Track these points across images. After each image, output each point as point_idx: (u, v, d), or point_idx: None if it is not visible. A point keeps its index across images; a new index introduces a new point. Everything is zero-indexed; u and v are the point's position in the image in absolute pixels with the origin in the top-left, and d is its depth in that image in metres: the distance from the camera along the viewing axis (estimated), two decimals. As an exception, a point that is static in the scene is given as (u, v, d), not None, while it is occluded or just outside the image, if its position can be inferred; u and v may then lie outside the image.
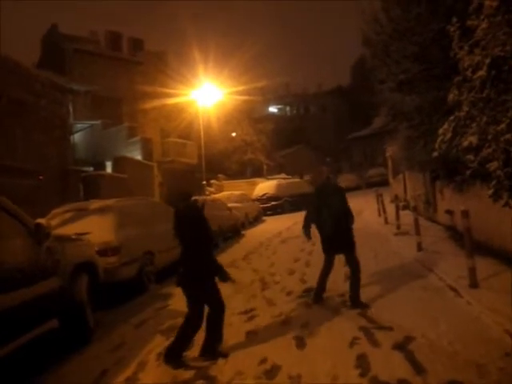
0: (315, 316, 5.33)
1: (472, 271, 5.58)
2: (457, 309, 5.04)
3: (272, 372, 3.88)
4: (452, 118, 5.66)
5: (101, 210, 7.83)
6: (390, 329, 4.57)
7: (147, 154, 22.45)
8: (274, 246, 12.04)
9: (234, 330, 5.15)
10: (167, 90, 24.81)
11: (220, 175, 33.14)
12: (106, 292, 6.34)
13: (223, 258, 10.97)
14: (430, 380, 3.39)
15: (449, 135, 5.70)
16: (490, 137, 4.77)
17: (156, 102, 24.27)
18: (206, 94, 25.04)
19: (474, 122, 5.14)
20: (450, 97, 5.61)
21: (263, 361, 4.11)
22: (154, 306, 6.77)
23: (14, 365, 4.26)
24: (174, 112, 26.78)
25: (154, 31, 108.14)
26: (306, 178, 34.54)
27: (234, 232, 15.80)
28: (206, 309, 4.54)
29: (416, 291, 5.92)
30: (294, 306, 5.87)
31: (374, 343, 4.24)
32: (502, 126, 4.52)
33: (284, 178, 30.00)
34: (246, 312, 5.84)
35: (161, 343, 4.98)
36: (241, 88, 31.23)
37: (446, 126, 5.85)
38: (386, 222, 13.35)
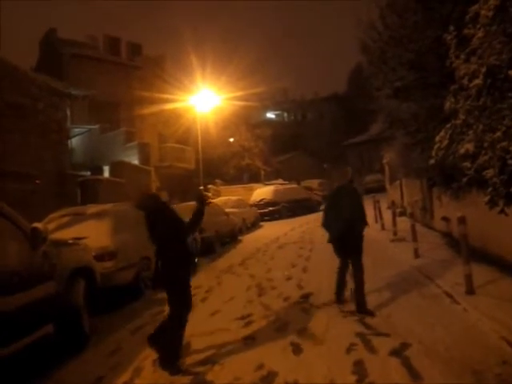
0: (312, 322, 5.33)
1: (468, 278, 5.59)
2: (453, 315, 5.05)
3: (269, 378, 3.88)
4: (448, 125, 5.72)
5: (98, 215, 7.83)
6: (387, 335, 4.57)
7: (145, 158, 22.45)
8: (271, 252, 12.04)
9: (230, 335, 5.15)
10: (165, 96, 24.85)
11: (217, 180, 33.14)
12: (102, 297, 6.32)
13: (220, 263, 11.00)
14: (426, 386, 3.40)
15: (445, 142, 5.76)
16: (486, 144, 4.81)
17: (154, 108, 24.31)
18: (204, 100, 25.09)
19: (470, 130, 5.19)
20: (447, 105, 5.67)
21: (260, 367, 4.10)
22: (151, 312, 6.75)
23: (10, 370, 4.24)
24: (172, 117, 26.81)
25: (152, 36, 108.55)
26: (304, 183, 34.53)
27: (231, 237, 15.80)
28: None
29: (413, 298, 5.93)
30: (291, 312, 5.87)
31: (371, 349, 4.24)
32: (498, 133, 4.56)
33: (281, 184, 30.06)
34: (242, 318, 5.83)
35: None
36: (238, 94, 31.30)
37: (442, 133, 5.91)
38: (383, 228, 13.39)
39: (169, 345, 4.35)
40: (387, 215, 13.92)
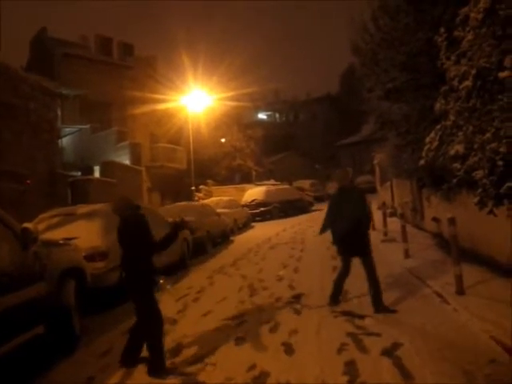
0: (304, 322, 5.34)
1: (458, 278, 5.64)
2: (444, 315, 5.09)
3: (260, 378, 3.88)
4: (439, 126, 5.76)
5: (88, 215, 7.78)
6: (378, 335, 4.60)
7: (136, 158, 22.37)
8: (262, 253, 12.04)
9: (222, 335, 5.14)
10: (157, 96, 24.78)
11: (209, 181, 33.10)
12: (93, 298, 6.28)
13: (212, 264, 10.98)
14: (417, 386, 3.42)
15: (435, 144, 5.81)
16: (475, 146, 4.86)
17: (146, 108, 24.23)
18: (196, 100, 25.06)
19: (460, 131, 5.24)
20: (437, 106, 5.72)
21: (252, 367, 4.11)
22: (142, 312, 6.71)
23: (1, 371, 4.20)
24: (164, 117, 26.74)
25: (144, 37, 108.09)
26: (296, 184, 34.60)
27: (222, 238, 15.78)
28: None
29: (403, 298, 5.96)
30: (282, 313, 5.88)
31: (362, 349, 4.26)
32: (488, 135, 4.61)
33: (273, 184, 30.08)
34: (234, 318, 5.83)
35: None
36: (230, 94, 31.31)
37: (432, 134, 5.96)
38: (373, 228, 13.42)
39: (151, 353, 4.30)
40: (378, 216, 13.98)
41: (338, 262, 8.98)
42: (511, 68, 4.26)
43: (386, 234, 11.76)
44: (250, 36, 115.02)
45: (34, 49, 26.15)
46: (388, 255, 9.30)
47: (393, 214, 15.24)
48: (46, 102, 15.84)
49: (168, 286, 5.19)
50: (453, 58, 5.21)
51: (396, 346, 4.25)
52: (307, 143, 56.66)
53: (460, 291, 5.59)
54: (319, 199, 34.23)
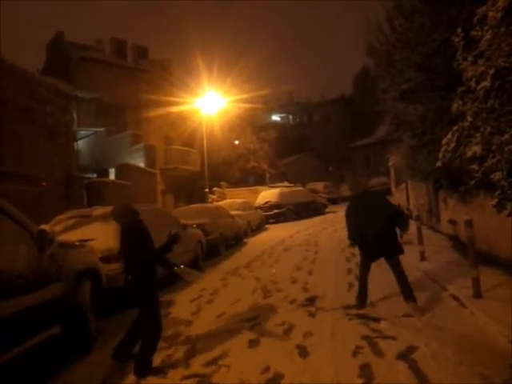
0: (318, 325, 5.31)
1: (476, 281, 5.56)
2: (460, 319, 5.02)
3: (274, 380, 3.87)
4: (456, 127, 5.68)
5: (104, 217, 7.82)
6: (394, 338, 4.55)
7: (150, 161, 22.52)
8: (276, 255, 12.01)
9: (236, 338, 5.13)
10: (171, 99, 24.95)
11: (223, 183, 33.19)
12: (108, 299, 6.33)
13: (225, 266, 10.98)
14: (434, 390, 3.38)
15: (452, 145, 5.73)
16: (494, 147, 4.79)
17: (160, 110, 24.41)
18: (210, 102, 25.16)
19: (477, 132, 5.16)
20: (454, 107, 5.64)
21: (266, 369, 4.09)
22: (156, 314, 6.73)
23: (16, 371, 4.25)
24: (178, 120, 26.90)
25: (158, 39, 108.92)
26: (310, 186, 34.51)
27: (236, 240, 15.78)
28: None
29: (419, 301, 5.88)
30: (296, 315, 5.85)
31: (378, 352, 4.22)
32: (506, 136, 4.54)
33: (287, 186, 30.05)
34: (248, 320, 5.81)
35: (163, 350, 4.96)
36: (244, 96, 31.38)
37: (449, 135, 5.88)
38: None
39: (143, 354, 4.40)
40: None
41: (353, 265, 9.01)
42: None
43: (401, 236, 11.63)
44: (264, 38, 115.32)
45: (51, 52, 26.53)
46: (403, 258, 9.07)
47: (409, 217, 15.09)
48: (62, 105, 16.06)
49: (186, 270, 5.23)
50: (470, 58, 5.13)
51: (412, 349, 4.20)
52: (321, 145, 56.60)
53: (477, 294, 5.51)
54: (333, 201, 34.13)
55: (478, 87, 4.99)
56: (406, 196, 18.07)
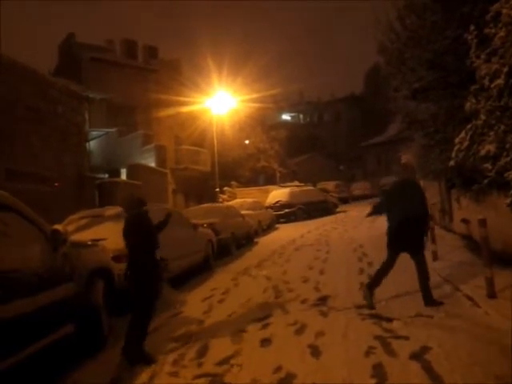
0: (330, 325, 5.29)
1: (489, 281, 5.50)
2: (474, 319, 4.97)
3: (287, 380, 3.86)
4: (469, 126, 5.63)
5: (116, 217, 7.89)
6: (406, 338, 4.52)
7: (161, 161, 22.61)
8: (287, 254, 12.00)
9: (248, 337, 5.14)
10: (181, 98, 25.02)
11: (233, 182, 33.22)
12: (120, 298, 6.36)
13: (236, 265, 11.00)
14: (448, 391, 3.35)
15: (466, 144, 5.67)
16: (508, 145, 4.74)
17: (170, 110, 24.49)
18: (220, 102, 25.20)
19: (491, 131, 5.10)
20: (467, 105, 5.58)
21: (278, 369, 4.09)
22: (167, 313, 6.77)
23: (30, 369, 4.29)
24: (188, 120, 26.97)
25: (168, 39, 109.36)
26: (320, 185, 34.41)
27: (247, 239, 15.80)
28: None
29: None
30: (308, 314, 5.83)
31: (390, 352, 4.19)
32: (521, 134, 4.48)
33: (297, 186, 29.97)
34: (259, 320, 5.81)
35: (174, 350, 4.99)
36: (254, 96, 31.34)
37: (462, 134, 5.82)
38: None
39: (134, 340, 4.68)
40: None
41: (365, 264, 8.98)
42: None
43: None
44: (274, 37, 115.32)
45: (62, 53, 26.77)
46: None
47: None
48: (74, 106, 16.19)
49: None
50: (483, 56, 5.08)
51: (425, 349, 4.17)
52: (331, 144, 56.41)
53: (491, 294, 5.44)
54: (344, 200, 33.98)
55: (492, 85, 4.93)
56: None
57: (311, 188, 29.14)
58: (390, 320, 5.18)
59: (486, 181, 5.52)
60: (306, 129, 58.29)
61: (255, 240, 16.50)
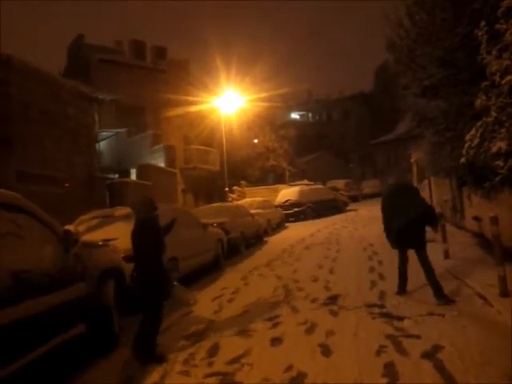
0: (341, 324, 5.27)
1: (502, 279, 5.44)
2: (487, 318, 4.93)
3: (298, 379, 3.85)
4: (480, 123, 5.59)
5: (126, 217, 7.93)
6: (418, 337, 4.49)
7: (170, 161, 22.70)
8: (297, 253, 11.99)
9: (258, 336, 5.14)
10: (190, 98, 25.07)
11: (242, 182, 33.23)
12: (131, 297, 6.40)
13: (246, 265, 11.01)
14: (461, 391, 3.32)
15: (476, 141, 5.63)
16: (519, 142, 4.68)
17: (179, 110, 24.55)
18: (228, 101, 25.21)
19: (502, 128, 5.06)
20: (478, 102, 5.54)
21: (289, 368, 4.08)
22: (178, 312, 6.79)
23: (43, 368, 4.33)
24: (197, 119, 27.03)
25: (176, 39, 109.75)
26: (330, 184, 34.31)
27: (256, 238, 15.80)
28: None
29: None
30: (318, 314, 5.82)
31: (402, 351, 4.17)
32: (533, 131, 4.43)
33: (306, 185, 29.90)
34: (270, 319, 5.81)
35: (185, 349, 5.01)
36: (263, 95, 31.30)
37: (473, 131, 5.78)
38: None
39: (144, 339, 4.75)
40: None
41: (375, 263, 8.94)
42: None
43: (436, 231, 11.50)
44: (282, 36, 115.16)
45: (72, 55, 26.99)
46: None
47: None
48: (84, 107, 16.29)
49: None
50: (494, 52, 5.03)
51: (437, 348, 4.14)
52: (341, 142, 56.19)
53: (504, 293, 5.39)
54: (354, 199, 33.85)
55: (503, 81, 4.89)
56: (429, 193, 17.81)
57: (321, 186, 29.06)
58: (401, 319, 5.16)
59: (497, 178, 5.48)
60: (315, 127, 58.14)
61: (265, 239, 16.50)
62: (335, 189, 30.98)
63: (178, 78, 27.19)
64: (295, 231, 18.62)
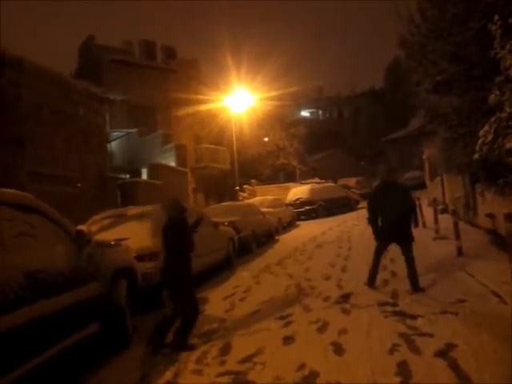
0: (353, 322, 5.24)
1: (517, 277, 5.37)
2: (501, 316, 4.85)
3: (310, 378, 3.84)
4: (493, 119, 5.51)
5: (138, 217, 7.98)
6: (431, 335, 4.45)
7: (181, 160, 22.78)
8: (309, 252, 11.95)
9: (270, 335, 5.13)
10: (200, 97, 25.13)
11: (253, 180, 33.24)
12: (143, 297, 6.43)
13: (257, 263, 11.00)
14: (476, 390, 3.28)
15: (490, 137, 5.56)
16: (534, 138, 4.61)
17: (190, 109, 24.62)
18: (239, 100, 25.21)
19: (516, 123, 4.98)
20: (491, 97, 5.47)
21: (301, 366, 4.07)
22: (191, 311, 6.81)
23: (57, 366, 4.37)
24: (207, 118, 27.08)
25: (187, 38, 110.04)
26: (341, 181, 34.16)
27: (267, 237, 15.79)
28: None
29: (457, 297, 5.74)
30: (331, 312, 5.79)
31: (415, 350, 4.13)
32: (548, 126, 4.36)
33: (317, 183, 29.79)
34: (282, 317, 5.79)
35: (199, 347, 5.02)
36: (273, 93, 31.31)
37: (486, 127, 5.71)
38: (424, 226, 13.02)
39: (181, 333, 5.01)
40: (428, 213, 13.55)
41: (387, 261, 8.87)
42: None
43: (437, 231, 11.39)
44: (293, 34, 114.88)
45: (83, 55, 27.19)
46: (440, 253, 8.99)
47: (444, 211, 14.75)
48: (95, 108, 16.42)
49: None
50: (508, 46, 4.95)
51: (450, 347, 4.09)
52: (352, 140, 55.87)
53: (519, 291, 5.32)
54: (365, 197, 33.62)
55: (517, 76, 4.82)
56: (442, 190, 17.64)
57: (332, 184, 28.93)
58: (413, 317, 5.11)
59: (511, 174, 5.40)
60: (326, 125, 57.93)
61: (276, 237, 16.48)
62: (346, 187, 30.81)
63: (188, 77, 27.27)
64: (306, 229, 18.57)
